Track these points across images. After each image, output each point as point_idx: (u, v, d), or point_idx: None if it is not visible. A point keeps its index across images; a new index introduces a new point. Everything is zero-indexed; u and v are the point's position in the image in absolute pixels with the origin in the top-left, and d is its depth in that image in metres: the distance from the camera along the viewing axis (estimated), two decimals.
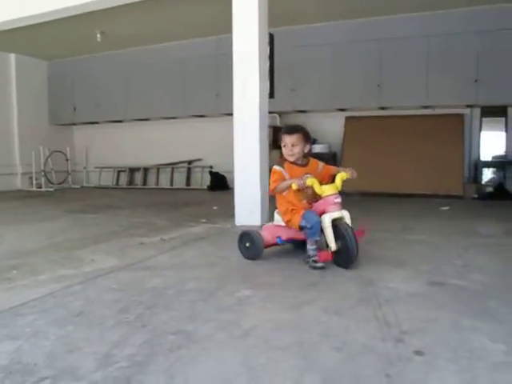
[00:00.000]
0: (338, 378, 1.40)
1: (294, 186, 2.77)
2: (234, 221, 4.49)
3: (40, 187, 9.54)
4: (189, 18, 7.40)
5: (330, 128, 8.06)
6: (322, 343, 1.65)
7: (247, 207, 4.44)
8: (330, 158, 7.51)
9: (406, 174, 7.15)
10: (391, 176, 7.16)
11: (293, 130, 2.99)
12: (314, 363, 1.50)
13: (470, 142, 7.43)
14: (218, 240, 3.78)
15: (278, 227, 3.05)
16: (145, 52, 9.30)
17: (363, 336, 1.71)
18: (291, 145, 2.93)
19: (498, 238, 3.88)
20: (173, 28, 7.99)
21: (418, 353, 1.55)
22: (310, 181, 2.79)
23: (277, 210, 3.10)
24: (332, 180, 2.98)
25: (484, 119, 7.28)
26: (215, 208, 5.80)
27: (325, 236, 2.75)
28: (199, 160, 9.59)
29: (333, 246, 2.69)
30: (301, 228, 2.82)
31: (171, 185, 9.77)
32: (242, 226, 4.37)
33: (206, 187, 9.00)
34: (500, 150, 7.21)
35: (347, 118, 7.98)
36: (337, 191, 2.82)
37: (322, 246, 2.83)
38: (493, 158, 7.26)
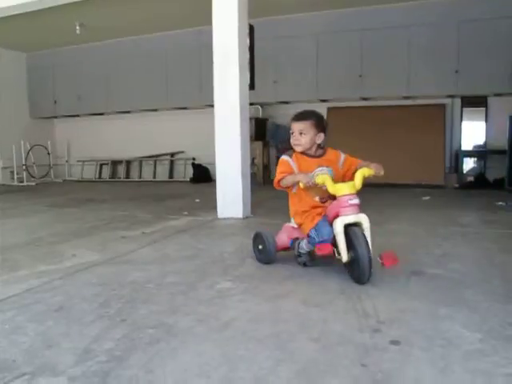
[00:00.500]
0: (314, 367, 1.42)
1: (302, 185, 2.41)
2: (216, 213, 4.49)
3: (22, 182, 9.44)
4: (170, 9, 7.35)
5: None
6: (299, 334, 1.67)
7: (229, 199, 4.45)
8: None
9: (387, 165, 7.07)
10: None
11: (301, 116, 2.63)
12: (290, 354, 1.51)
13: (452, 132, 7.51)
14: (200, 233, 3.78)
15: (295, 229, 2.68)
16: (126, 44, 9.22)
17: (341, 327, 1.73)
18: (299, 133, 2.57)
19: (477, 227, 3.93)
20: (154, 20, 7.92)
21: (394, 342, 1.57)
22: (321, 178, 2.34)
23: None
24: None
25: (465, 109, 7.35)
26: (197, 200, 5.80)
27: (336, 243, 2.31)
28: (182, 152, 9.56)
29: (344, 256, 2.26)
30: (308, 235, 2.49)
31: (154, 177, 9.75)
32: (224, 218, 4.39)
33: (188, 179, 8.99)
34: (481, 139, 7.30)
35: (329, 109, 7.98)
36: (354, 191, 2.33)
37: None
38: (474, 147, 7.35)
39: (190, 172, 9.10)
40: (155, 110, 9.48)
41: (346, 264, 2.31)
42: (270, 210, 4.85)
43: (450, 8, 6.94)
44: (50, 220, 4.60)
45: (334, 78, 7.67)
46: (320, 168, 2.49)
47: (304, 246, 2.54)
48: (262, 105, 8.28)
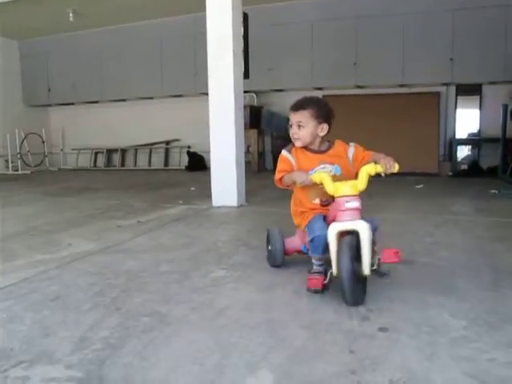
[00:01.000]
0: (304, 353, 1.47)
1: (298, 184, 2.13)
2: (210, 202, 4.52)
3: (16, 170, 9.42)
4: None
5: None
6: (291, 322, 1.71)
7: (223, 188, 4.47)
8: None
9: (382, 152, 7.20)
10: None
11: (300, 105, 2.20)
12: (282, 341, 1.55)
13: (446, 120, 7.54)
14: (195, 221, 3.81)
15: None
16: (120, 31, 9.16)
17: (331, 315, 1.76)
18: (297, 125, 2.17)
19: (469, 215, 3.98)
20: (148, 6, 7.85)
21: (383, 329, 1.62)
22: (318, 176, 1.99)
23: None
24: None
25: (459, 97, 7.39)
26: (193, 189, 5.83)
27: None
28: (177, 140, 9.56)
29: (334, 269, 1.86)
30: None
31: (149, 166, 9.75)
32: (218, 206, 4.42)
33: (184, 167, 9.00)
34: (475, 127, 7.33)
35: (324, 97, 7.95)
36: (356, 192, 1.94)
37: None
38: (468, 135, 7.38)
39: (185, 160, 9.10)
40: (150, 98, 9.45)
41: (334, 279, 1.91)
42: (264, 198, 4.88)
43: None
44: (45, 209, 4.61)
45: (329, 65, 7.68)
46: (322, 166, 2.15)
47: (313, 259, 2.11)
48: (256, 92, 8.28)
